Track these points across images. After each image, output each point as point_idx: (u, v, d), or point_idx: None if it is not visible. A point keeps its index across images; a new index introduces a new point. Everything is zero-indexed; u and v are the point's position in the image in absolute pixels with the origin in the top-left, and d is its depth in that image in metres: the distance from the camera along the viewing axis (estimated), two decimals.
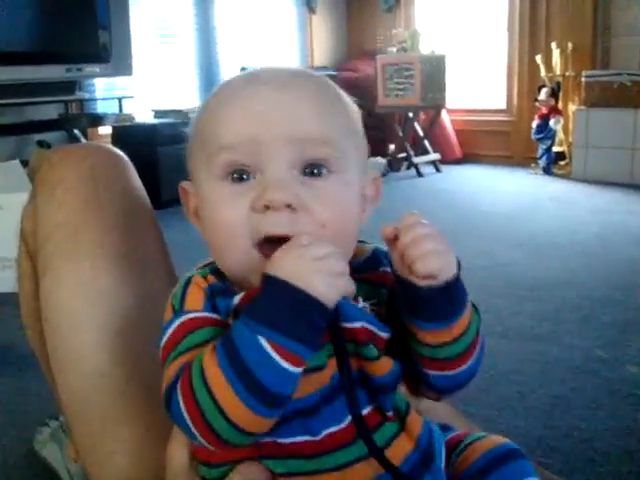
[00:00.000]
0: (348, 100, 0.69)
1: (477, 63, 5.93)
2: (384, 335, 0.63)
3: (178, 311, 0.62)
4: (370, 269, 0.67)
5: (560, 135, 5.07)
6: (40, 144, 3.80)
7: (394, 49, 5.52)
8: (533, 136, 5.10)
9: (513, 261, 2.93)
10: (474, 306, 0.67)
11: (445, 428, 0.70)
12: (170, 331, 0.62)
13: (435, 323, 0.62)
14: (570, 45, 5.02)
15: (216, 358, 0.55)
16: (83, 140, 3.99)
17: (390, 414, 0.63)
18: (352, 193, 0.65)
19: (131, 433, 0.83)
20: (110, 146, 1.01)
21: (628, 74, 4.68)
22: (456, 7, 5.95)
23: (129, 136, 4.14)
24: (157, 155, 4.07)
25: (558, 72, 5.09)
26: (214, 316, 0.61)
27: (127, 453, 0.83)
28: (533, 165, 5.20)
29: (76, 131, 4.06)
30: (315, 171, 0.62)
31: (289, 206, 0.60)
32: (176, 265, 1.00)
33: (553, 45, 5.09)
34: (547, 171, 5.08)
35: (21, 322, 1.04)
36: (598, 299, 2.41)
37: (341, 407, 0.61)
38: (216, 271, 0.65)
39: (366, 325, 0.61)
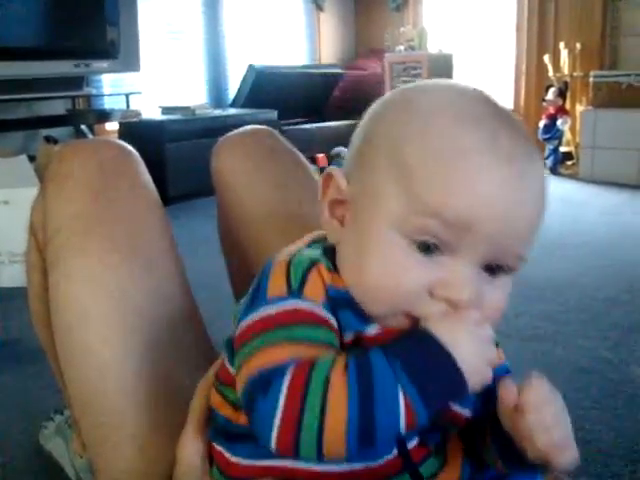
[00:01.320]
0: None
1: (485, 62, 5.91)
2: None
3: (296, 292, 0.57)
4: None
5: (567, 135, 5.06)
6: (47, 139, 3.81)
7: (402, 47, 5.52)
8: (540, 136, 5.08)
9: None
10: None
11: None
12: (281, 307, 0.56)
13: (516, 474, 0.61)
14: (578, 45, 5.01)
15: (346, 380, 0.51)
16: (90, 136, 3.99)
17: (431, 448, 0.62)
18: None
19: (138, 425, 0.83)
20: (120, 141, 1.01)
21: (636, 75, 4.65)
22: (464, 6, 5.94)
23: (136, 132, 4.13)
24: (164, 151, 4.07)
25: (566, 72, 5.08)
26: (333, 321, 0.58)
27: (134, 445, 0.83)
28: None
29: (83, 127, 4.06)
30: (495, 269, 0.61)
31: None
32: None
33: (561, 45, 5.08)
34: (554, 171, 5.06)
35: (28, 317, 1.04)
36: (605, 300, 2.40)
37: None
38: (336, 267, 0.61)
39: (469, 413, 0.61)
